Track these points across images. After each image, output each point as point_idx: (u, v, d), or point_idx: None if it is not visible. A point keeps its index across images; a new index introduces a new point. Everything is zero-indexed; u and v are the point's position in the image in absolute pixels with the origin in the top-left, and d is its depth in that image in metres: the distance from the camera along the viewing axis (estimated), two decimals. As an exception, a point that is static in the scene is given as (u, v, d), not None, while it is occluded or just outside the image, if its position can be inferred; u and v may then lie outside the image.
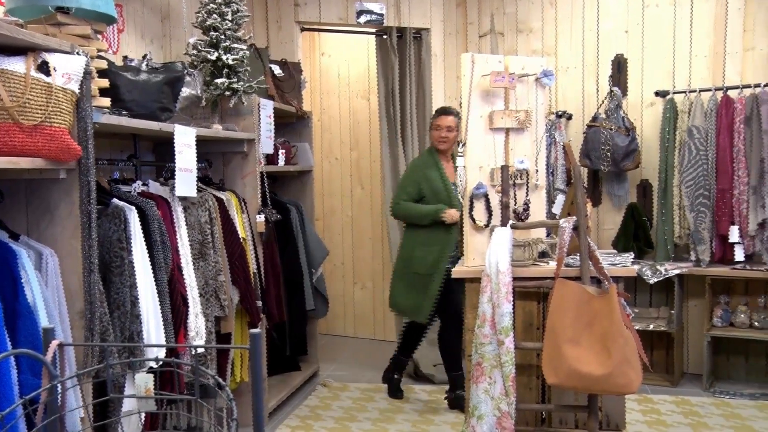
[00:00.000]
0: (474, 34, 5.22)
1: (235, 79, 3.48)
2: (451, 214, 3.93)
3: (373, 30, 5.02)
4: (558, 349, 2.84)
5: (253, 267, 3.66)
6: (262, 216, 3.84)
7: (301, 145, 4.78)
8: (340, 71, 5.93)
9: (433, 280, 4.01)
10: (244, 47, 3.53)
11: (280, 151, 4.36)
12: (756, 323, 4.35)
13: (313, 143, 5.00)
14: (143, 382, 1.64)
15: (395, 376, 4.43)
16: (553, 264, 3.12)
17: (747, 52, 4.43)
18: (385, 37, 4.98)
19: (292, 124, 4.79)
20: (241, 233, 3.55)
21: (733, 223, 4.30)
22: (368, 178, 5.85)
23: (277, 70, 4.47)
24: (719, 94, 4.35)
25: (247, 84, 3.57)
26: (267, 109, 3.93)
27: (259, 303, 3.70)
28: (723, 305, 4.46)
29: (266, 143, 3.93)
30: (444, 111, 4.12)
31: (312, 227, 4.69)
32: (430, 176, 4.05)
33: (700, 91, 4.42)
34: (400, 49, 4.99)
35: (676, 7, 4.62)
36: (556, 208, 4.49)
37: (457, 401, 4.09)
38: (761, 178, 4.22)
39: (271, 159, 4.21)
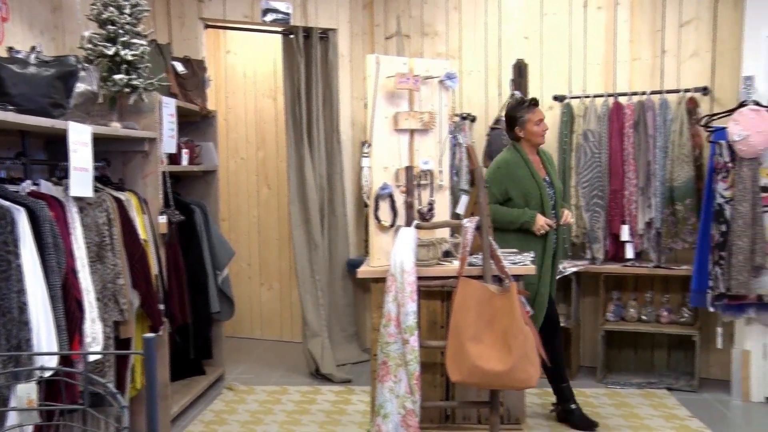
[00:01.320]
0: (380, 36, 5.27)
1: (134, 76, 3.36)
2: (542, 225, 3.60)
3: (280, 29, 4.97)
4: (461, 346, 2.90)
5: (154, 269, 3.55)
6: (165, 217, 3.73)
7: (206, 144, 4.68)
8: (246, 70, 5.84)
9: (535, 289, 3.58)
10: (144, 43, 3.41)
11: (184, 151, 4.24)
12: (644, 317, 4.60)
13: (219, 143, 4.90)
14: (25, 393, 1.55)
15: (571, 406, 3.80)
16: (456, 263, 3.19)
17: (634, 62, 4.68)
18: (291, 36, 4.94)
19: (196, 123, 4.68)
20: (141, 235, 3.43)
21: (624, 223, 4.54)
22: (275, 178, 5.79)
23: (180, 67, 4.35)
24: (611, 100, 4.58)
25: (148, 81, 3.45)
26: (169, 107, 3.82)
27: (162, 306, 3.59)
28: (615, 301, 4.70)
29: (169, 142, 3.82)
30: (537, 102, 3.75)
31: (217, 228, 4.60)
32: (517, 175, 3.64)
33: (594, 96, 4.64)
34: (307, 50, 4.97)
35: (571, 16, 4.83)
36: (460, 209, 4.59)
37: (567, 415, 3.79)
38: (648, 179, 4.47)
39: (174, 158, 4.09)
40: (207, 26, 4.89)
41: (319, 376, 4.76)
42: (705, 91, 4.42)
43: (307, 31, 4.96)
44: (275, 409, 4.15)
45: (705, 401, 4.20)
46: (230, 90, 5.90)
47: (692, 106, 4.39)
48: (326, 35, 5.05)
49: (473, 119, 5.02)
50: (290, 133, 4.94)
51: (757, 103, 3.97)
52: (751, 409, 4.11)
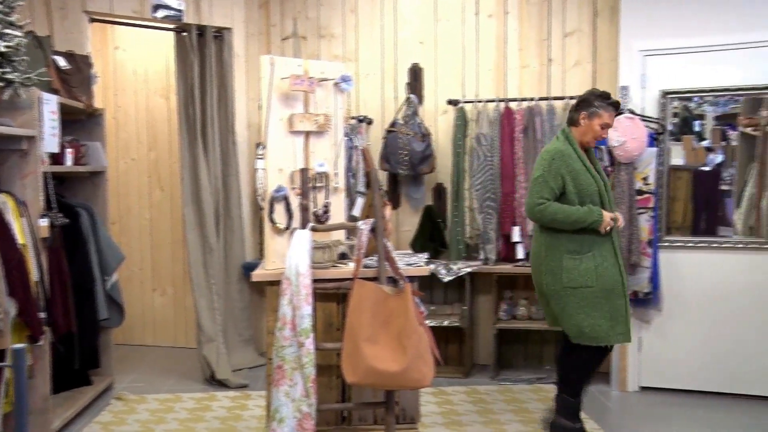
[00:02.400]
0: (277, 37, 5.22)
1: (9, 69, 3.16)
2: (608, 223, 3.33)
3: (172, 26, 4.83)
4: (356, 348, 2.92)
5: (34, 275, 3.36)
6: (46, 220, 3.53)
7: (92, 144, 4.47)
8: (137, 67, 5.63)
9: (609, 295, 3.38)
10: (20, 34, 3.21)
11: (68, 150, 4.04)
12: (534, 315, 4.79)
13: (107, 142, 4.69)
14: None
15: (576, 425, 3.53)
16: (352, 265, 3.20)
17: (523, 69, 4.87)
18: (184, 34, 4.81)
19: (81, 122, 4.45)
20: (20, 239, 3.24)
21: (515, 224, 4.71)
22: (168, 179, 5.61)
23: (62, 62, 4.14)
24: (502, 105, 4.75)
25: (25, 75, 3.25)
26: (50, 104, 3.62)
27: (43, 314, 3.40)
28: (507, 300, 4.87)
29: (50, 141, 3.63)
30: (618, 106, 3.55)
31: (106, 231, 4.40)
32: (574, 168, 3.35)
33: (487, 101, 4.79)
34: (201, 48, 4.85)
35: (464, 23, 4.96)
36: (356, 211, 4.62)
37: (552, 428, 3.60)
38: (537, 183, 4.66)
39: (57, 158, 3.89)
40: (92, 20, 4.67)
41: (214, 382, 4.66)
42: (587, 99, 4.66)
43: (201, 30, 4.85)
44: (168, 418, 4.02)
45: (588, 393, 4.41)
46: (119, 87, 5.66)
47: (576, 112, 4.61)
48: (221, 34, 4.95)
49: (370, 122, 5.07)
50: (184, 134, 4.81)
51: (632, 112, 4.23)
52: (628, 398, 4.36)
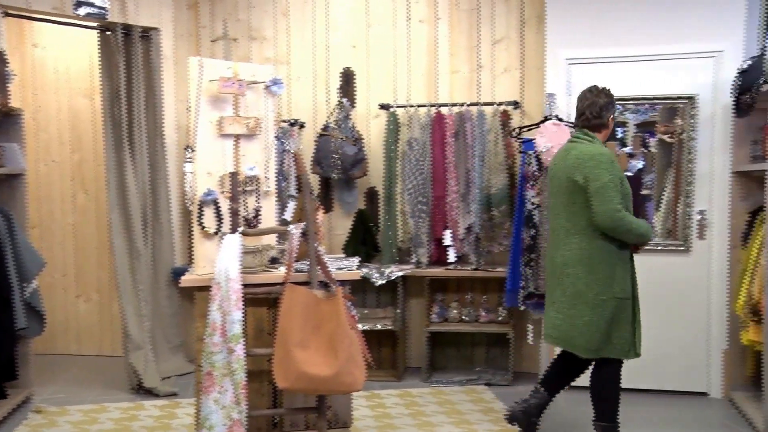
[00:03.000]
0: (207, 38, 5.13)
1: None
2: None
3: (95, 25, 4.67)
4: (288, 353, 2.89)
5: (-55, 284, 3.19)
6: (-42, 225, 3.36)
7: (9, 145, 4.28)
8: (58, 66, 5.42)
9: (635, 304, 3.35)
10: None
11: (-18, 152, 3.86)
12: (465, 317, 4.86)
13: (26, 144, 4.50)
14: None
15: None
16: (283, 270, 3.18)
17: (454, 74, 4.94)
18: (109, 33, 4.66)
19: (-3, 122, 4.26)
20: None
21: (446, 228, 4.76)
22: (93, 182, 5.42)
23: (-24, 59, 3.95)
24: (433, 110, 4.80)
25: (-66, 73, 3.09)
26: (-36, 103, 3.45)
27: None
28: (439, 302, 4.92)
29: (-37, 142, 3.45)
30: None
31: (24, 236, 4.22)
32: (622, 175, 3.30)
33: (418, 106, 4.83)
34: (127, 48, 4.71)
35: (395, 28, 5.00)
36: (287, 215, 4.58)
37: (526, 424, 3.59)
38: (468, 187, 4.73)
39: (-30, 160, 3.71)
40: (7, 14, 4.46)
41: (142, 390, 4.52)
42: (516, 105, 4.77)
43: (127, 29, 4.71)
44: (92, 430, 3.88)
45: (518, 393, 4.50)
46: (39, 86, 5.44)
47: (505, 118, 4.71)
48: (148, 34, 4.82)
49: (302, 125, 5.04)
50: (109, 136, 4.66)
51: (558, 118, 4.36)
52: (557, 398, 4.45)
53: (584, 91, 3.45)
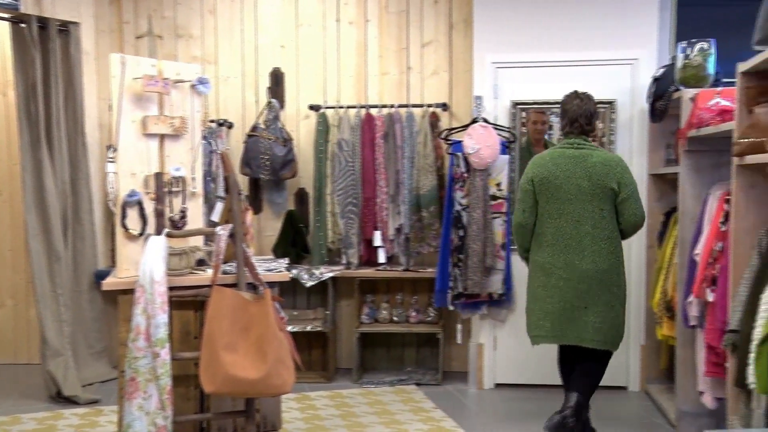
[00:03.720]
0: (131, 35, 4.99)
1: None
2: None
3: (6, 16, 4.46)
4: (215, 356, 2.84)
5: None
6: None
7: None
8: (-31, 60, 5.17)
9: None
10: None
11: None
12: (395, 318, 4.89)
13: (-67, 141, 4.27)
14: None
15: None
16: (210, 272, 3.12)
17: (383, 76, 4.98)
18: (22, 25, 4.46)
19: None
20: None
21: (376, 229, 4.78)
22: (7, 182, 5.19)
23: None
24: (363, 112, 4.82)
25: None
26: None
27: None
28: (369, 303, 4.93)
29: None
30: None
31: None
32: None
33: (348, 107, 4.84)
34: (44, 43, 4.52)
35: (325, 29, 4.99)
36: (215, 216, 4.49)
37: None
38: (397, 188, 4.77)
39: None
40: None
41: (61, 399, 4.35)
42: (444, 107, 4.84)
43: (43, 22, 4.52)
44: (6, 442, 3.71)
45: (447, 392, 4.57)
46: (-56, 81, 5.18)
47: (434, 119, 4.78)
48: (67, 29, 4.65)
49: (230, 126, 4.97)
50: (25, 134, 4.47)
51: (486, 121, 4.45)
52: (484, 396, 4.56)
53: (570, 97, 3.54)
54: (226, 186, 4.62)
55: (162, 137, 3.20)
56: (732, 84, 2.89)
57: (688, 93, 3.60)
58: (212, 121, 4.81)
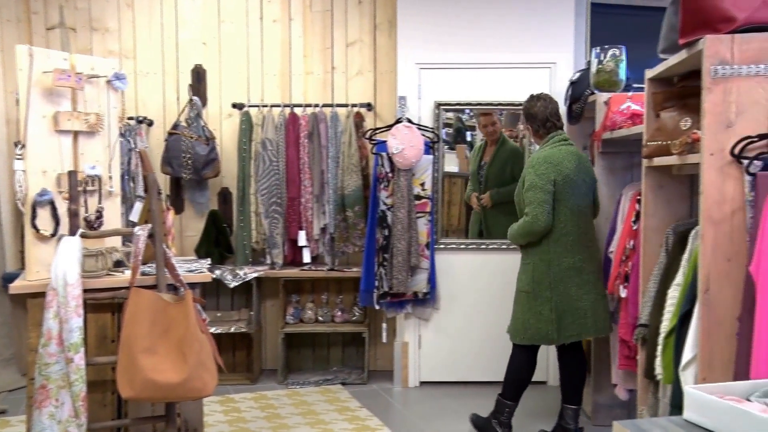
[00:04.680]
0: (40, 26, 4.78)
1: None
2: None
3: None
4: (133, 360, 2.76)
5: None
6: None
7: None
8: None
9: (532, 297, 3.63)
10: None
11: None
12: (320, 318, 4.88)
13: None
14: None
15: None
16: (128, 273, 3.03)
17: (308, 75, 4.95)
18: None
19: None
20: None
21: (301, 229, 4.75)
22: None
23: None
24: (287, 111, 4.78)
25: None
26: None
27: None
28: (294, 303, 4.90)
29: None
30: None
31: None
32: None
33: (272, 106, 4.79)
34: (-54, 33, 4.29)
35: (248, 26, 4.92)
36: (134, 216, 4.38)
37: None
38: (322, 187, 4.75)
39: None
40: None
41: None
42: (369, 106, 4.86)
43: (-53, 12, 4.29)
44: None
45: (373, 391, 4.60)
46: None
47: (359, 119, 4.79)
48: (-28, 19, 4.42)
49: (150, 123, 4.83)
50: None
51: (410, 121, 4.49)
52: (409, 394, 4.61)
53: (532, 102, 3.62)
54: (145, 185, 4.51)
55: (76, 134, 3.08)
56: (642, 89, 3.02)
57: (602, 97, 3.74)
58: (131, 119, 4.66)
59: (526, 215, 3.44)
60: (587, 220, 3.60)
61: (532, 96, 3.66)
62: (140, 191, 4.51)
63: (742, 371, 2.10)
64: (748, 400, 1.34)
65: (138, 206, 4.44)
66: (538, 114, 3.58)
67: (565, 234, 3.47)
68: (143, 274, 3.00)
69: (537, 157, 3.52)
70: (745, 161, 2.15)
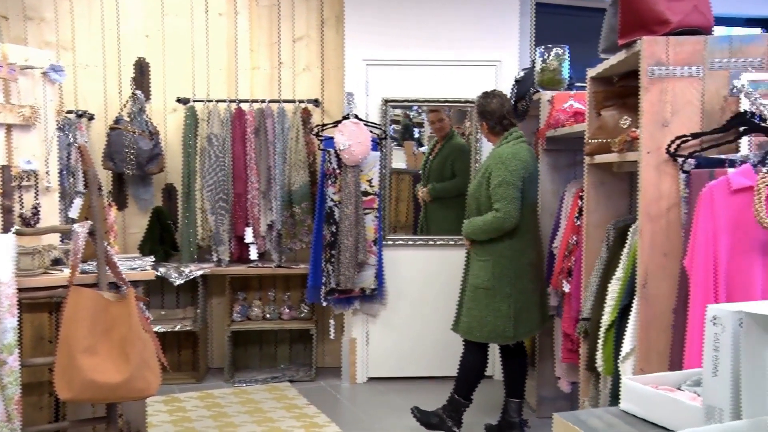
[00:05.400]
0: (-30, 14, 4.61)
1: None
2: None
3: None
4: (72, 360, 2.69)
5: None
6: None
7: None
8: None
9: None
10: None
11: None
12: (268, 315, 4.84)
13: None
14: None
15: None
16: (67, 271, 2.94)
17: (254, 70, 4.89)
18: None
19: None
20: None
21: (248, 225, 4.70)
22: None
23: None
24: (233, 106, 4.72)
25: None
26: None
27: None
28: (241, 301, 4.85)
29: None
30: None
31: None
32: None
33: (218, 101, 4.72)
34: None
35: (193, 20, 4.83)
36: (73, 212, 4.25)
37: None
38: (269, 184, 4.71)
39: None
40: None
41: None
42: (316, 102, 4.83)
43: None
44: None
45: (321, 388, 4.58)
46: None
47: (306, 115, 4.76)
48: None
49: (91, 117, 4.71)
50: None
51: (357, 117, 4.49)
52: (357, 390, 4.62)
53: (487, 99, 3.61)
54: (85, 181, 4.39)
55: (9, 127, 2.98)
56: (584, 88, 3.08)
57: (546, 95, 3.81)
58: (70, 112, 4.53)
59: (497, 211, 3.39)
60: (537, 216, 3.70)
61: (486, 93, 3.66)
62: (80, 187, 4.39)
63: (676, 361, 2.17)
64: (680, 389, 1.39)
65: (78, 202, 4.31)
66: (495, 111, 3.59)
67: (527, 230, 3.51)
68: (83, 272, 2.92)
69: (504, 153, 3.47)
70: (680, 159, 2.22)
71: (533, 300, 3.55)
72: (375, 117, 4.63)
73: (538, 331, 3.73)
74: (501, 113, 3.59)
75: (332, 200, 4.47)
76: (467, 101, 4.62)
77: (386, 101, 4.63)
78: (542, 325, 3.66)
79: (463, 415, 3.69)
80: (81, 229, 2.86)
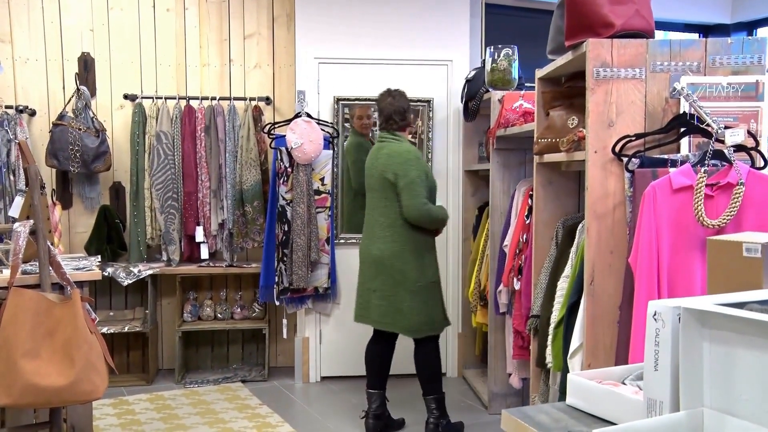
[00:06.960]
0: None
1: None
2: None
3: None
4: (12, 365, 2.61)
5: None
6: None
7: None
8: None
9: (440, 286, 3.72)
10: None
11: None
12: (219, 315, 4.78)
13: None
14: None
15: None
16: (7, 272, 2.85)
17: (204, 67, 4.82)
18: None
19: None
20: None
21: (198, 224, 4.64)
22: None
23: None
24: (183, 103, 4.64)
25: None
26: None
27: None
28: (192, 301, 4.78)
29: None
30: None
31: None
32: (428, 170, 3.71)
33: (166, 98, 4.63)
34: None
35: (140, 15, 4.73)
36: (14, 211, 4.12)
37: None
38: (220, 182, 4.65)
39: None
40: None
41: None
42: (268, 100, 4.79)
43: None
44: None
45: (273, 388, 4.55)
46: None
47: (257, 113, 4.71)
48: None
49: (33, 113, 4.57)
50: None
51: (309, 115, 4.46)
52: (310, 389, 4.60)
53: (383, 95, 3.67)
54: (26, 178, 4.26)
55: (-53, 124, 2.87)
56: (533, 88, 3.13)
57: (496, 95, 3.86)
58: (9, 107, 4.39)
59: (427, 203, 3.53)
60: (374, 215, 3.71)
61: (386, 91, 3.73)
62: (22, 185, 4.25)
63: (622, 356, 2.22)
64: (624, 383, 1.42)
65: (18, 201, 4.17)
66: (384, 110, 3.68)
67: (364, 223, 3.76)
68: (24, 273, 2.84)
69: (411, 152, 3.61)
70: (625, 159, 2.28)
71: (359, 289, 3.77)
72: (327, 115, 4.62)
73: (359, 322, 3.81)
74: (388, 113, 3.67)
75: (284, 199, 4.44)
76: (419, 100, 4.64)
77: (338, 99, 4.62)
78: (364, 319, 3.79)
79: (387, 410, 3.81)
80: (22, 229, 2.78)
